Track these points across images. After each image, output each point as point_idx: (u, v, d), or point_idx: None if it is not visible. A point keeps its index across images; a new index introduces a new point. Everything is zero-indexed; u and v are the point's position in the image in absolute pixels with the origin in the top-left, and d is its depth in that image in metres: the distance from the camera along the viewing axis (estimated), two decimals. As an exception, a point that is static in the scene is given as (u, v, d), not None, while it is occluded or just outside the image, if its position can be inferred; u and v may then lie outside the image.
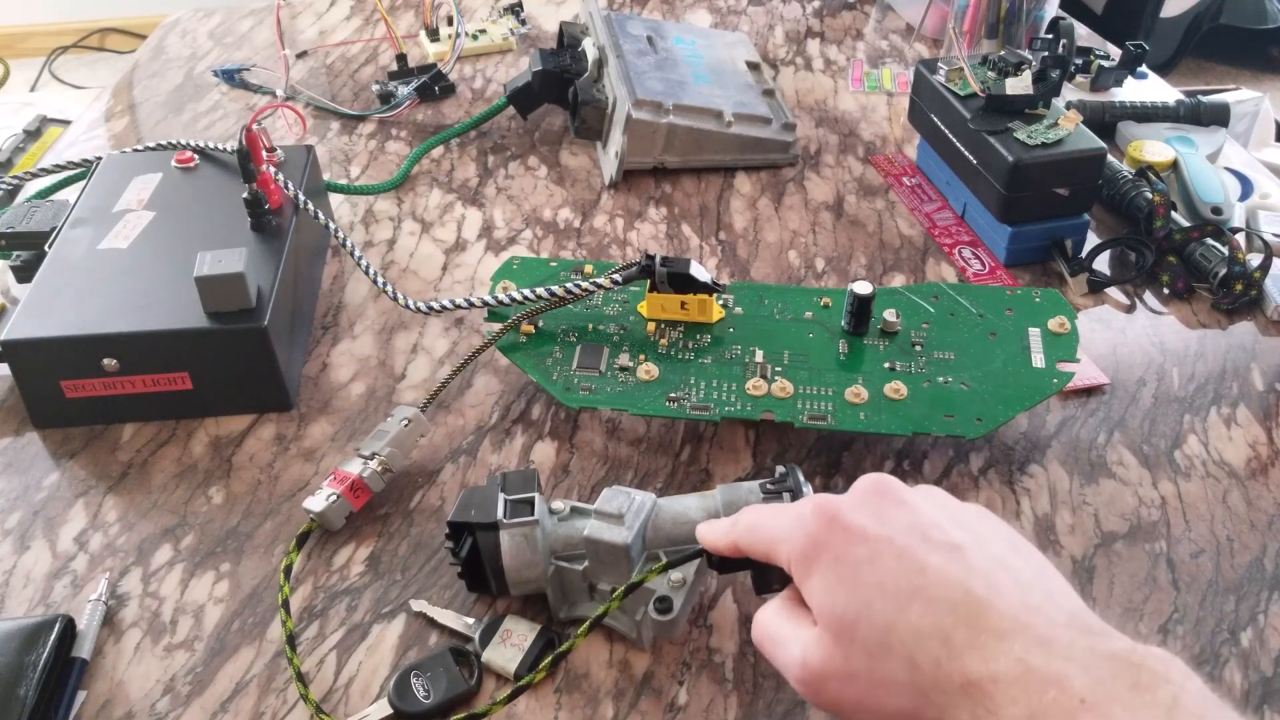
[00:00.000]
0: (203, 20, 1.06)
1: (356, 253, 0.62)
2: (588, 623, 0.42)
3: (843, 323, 0.57)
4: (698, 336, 0.57)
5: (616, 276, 0.56)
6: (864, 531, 0.34)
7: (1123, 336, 0.62)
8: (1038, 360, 0.54)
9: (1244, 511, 0.51)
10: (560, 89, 0.80)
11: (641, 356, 0.55)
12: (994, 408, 0.52)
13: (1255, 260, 0.64)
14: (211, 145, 0.69)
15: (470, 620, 0.46)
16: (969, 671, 0.30)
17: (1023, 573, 0.33)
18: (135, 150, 0.72)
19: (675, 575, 0.44)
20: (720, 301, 0.58)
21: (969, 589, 0.31)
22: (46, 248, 0.60)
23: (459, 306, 0.59)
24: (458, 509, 0.45)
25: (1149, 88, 0.88)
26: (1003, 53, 0.69)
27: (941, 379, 0.54)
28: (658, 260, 0.56)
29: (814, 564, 0.34)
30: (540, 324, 0.57)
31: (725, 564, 0.42)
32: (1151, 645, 0.30)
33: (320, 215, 0.63)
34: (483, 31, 0.98)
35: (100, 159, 0.69)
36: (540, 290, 0.57)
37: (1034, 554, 0.35)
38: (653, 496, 0.46)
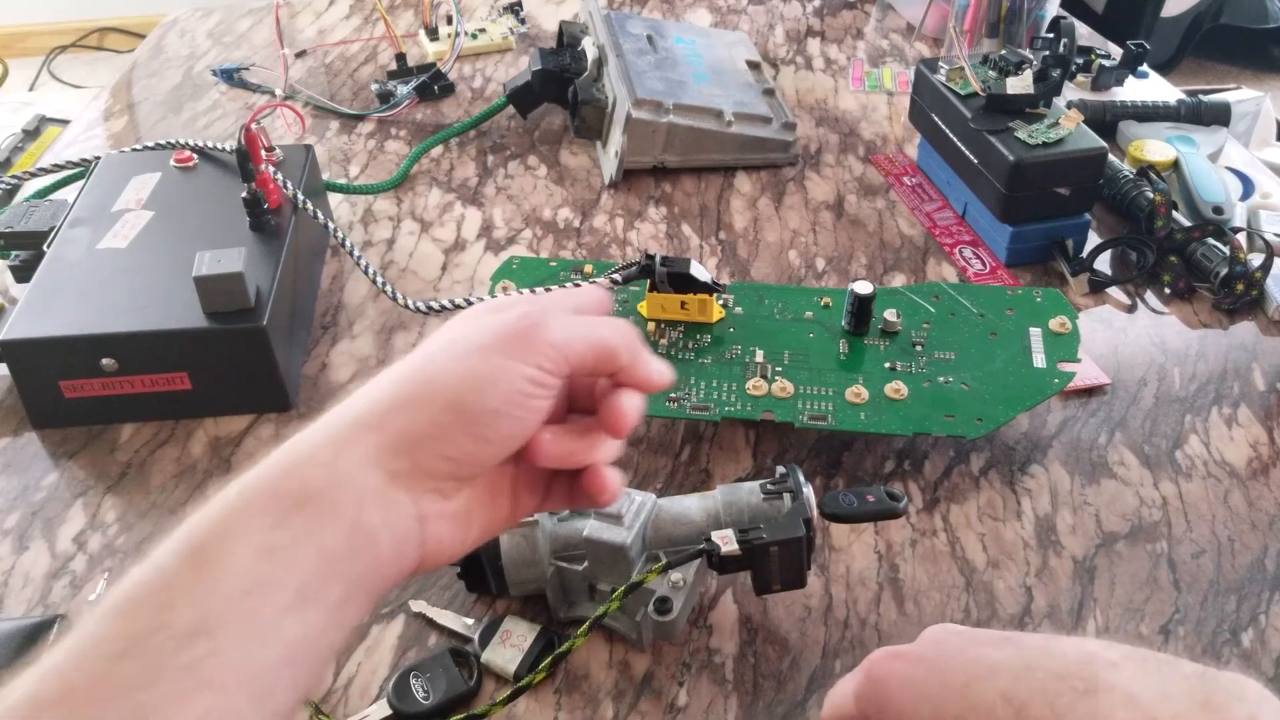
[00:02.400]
0: (202, 20, 1.06)
1: (356, 252, 0.62)
2: (588, 623, 0.42)
3: (843, 323, 0.57)
4: (698, 336, 0.56)
5: (616, 276, 0.56)
6: (915, 654, 0.35)
7: (1124, 336, 0.62)
8: (1039, 360, 0.54)
9: (1245, 512, 0.51)
10: (560, 88, 0.80)
11: (641, 356, 0.55)
12: (994, 408, 0.52)
13: (1256, 260, 0.63)
14: (210, 145, 0.69)
15: (470, 620, 0.46)
16: (1036, 709, 0.30)
17: (1068, 639, 0.34)
18: (134, 150, 0.72)
19: (675, 575, 0.44)
20: (720, 301, 0.58)
21: (1027, 661, 0.32)
22: (45, 247, 0.60)
23: (459, 306, 0.59)
24: (457, 509, 0.45)
25: (1150, 87, 0.88)
26: (1003, 52, 0.68)
27: (942, 379, 0.54)
28: (658, 260, 0.56)
29: (885, 705, 0.34)
30: (540, 324, 0.57)
31: (725, 564, 0.42)
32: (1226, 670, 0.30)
33: (319, 215, 0.63)
34: (482, 31, 0.98)
35: (99, 158, 0.69)
36: (540, 290, 0.57)
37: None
38: (653, 496, 0.46)
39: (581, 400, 0.39)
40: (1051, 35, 0.70)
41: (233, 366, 0.56)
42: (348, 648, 0.46)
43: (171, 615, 0.28)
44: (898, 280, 0.67)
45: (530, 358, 0.34)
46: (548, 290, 0.57)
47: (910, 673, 0.34)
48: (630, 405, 0.37)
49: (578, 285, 0.56)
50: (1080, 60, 0.85)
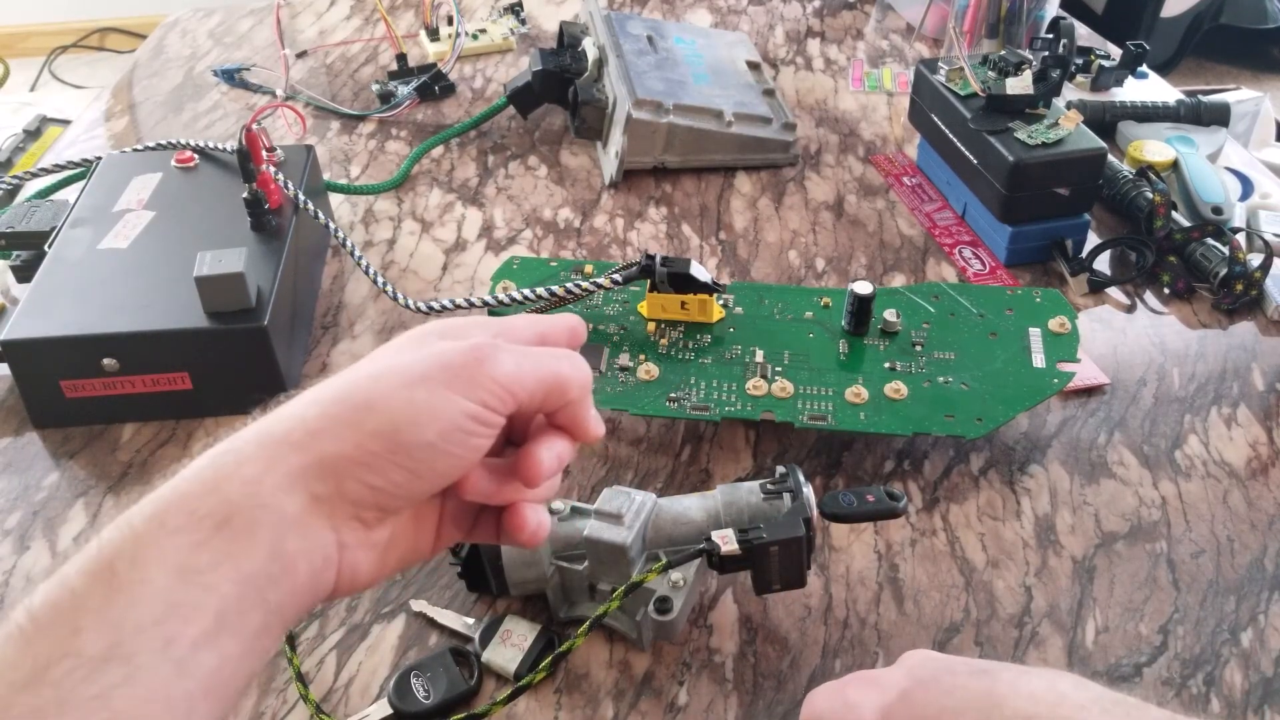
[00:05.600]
0: (203, 20, 1.06)
1: (356, 253, 0.62)
2: (588, 623, 0.42)
3: (843, 323, 0.57)
4: (698, 336, 0.56)
5: (616, 276, 0.56)
6: (890, 682, 0.35)
7: (1123, 336, 0.62)
8: (1038, 360, 0.54)
9: (1244, 511, 0.51)
10: (560, 89, 0.80)
11: (641, 356, 0.55)
12: (994, 408, 0.52)
13: (1256, 260, 0.64)
14: (211, 145, 0.69)
15: (470, 620, 0.46)
16: None
17: (1043, 675, 0.34)
18: (135, 150, 0.72)
19: (675, 575, 0.44)
20: (720, 301, 0.58)
21: (996, 700, 0.32)
22: (46, 248, 0.60)
23: (459, 306, 0.59)
24: (458, 509, 0.45)
25: (1149, 87, 0.88)
26: (1003, 52, 0.68)
27: (942, 379, 0.54)
28: (658, 260, 0.56)
29: None
30: (540, 324, 0.57)
31: (725, 564, 0.42)
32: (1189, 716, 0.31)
33: (320, 215, 0.63)
34: (483, 31, 0.98)
35: (100, 159, 0.69)
36: (540, 290, 0.57)
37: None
38: (653, 496, 0.46)
39: (520, 433, 0.37)
40: (1051, 36, 0.70)
41: (234, 366, 0.56)
42: (349, 647, 0.46)
43: (80, 641, 0.26)
44: (897, 280, 0.67)
45: (474, 393, 0.32)
46: (537, 302, 0.57)
47: (883, 702, 0.34)
48: (548, 458, 0.35)
49: (575, 289, 0.56)
50: (1080, 61, 0.85)
